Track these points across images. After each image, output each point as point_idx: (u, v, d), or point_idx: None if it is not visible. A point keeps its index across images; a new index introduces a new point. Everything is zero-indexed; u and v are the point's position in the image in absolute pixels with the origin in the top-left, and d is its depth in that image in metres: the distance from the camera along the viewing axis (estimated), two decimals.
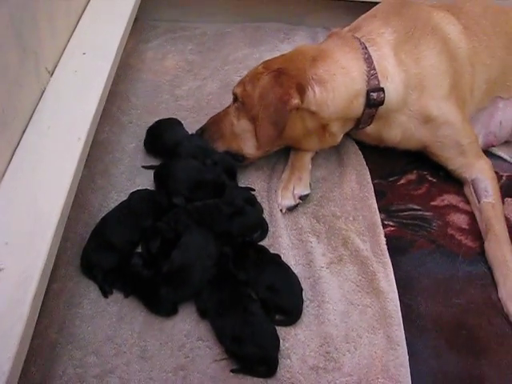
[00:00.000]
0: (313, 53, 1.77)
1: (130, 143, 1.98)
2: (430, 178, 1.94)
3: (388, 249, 1.68)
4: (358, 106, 1.75)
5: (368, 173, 1.91)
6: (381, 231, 1.72)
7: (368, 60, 1.73)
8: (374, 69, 1.73)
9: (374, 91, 1.72)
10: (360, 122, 1.80)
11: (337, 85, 1.71)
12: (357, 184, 1.87)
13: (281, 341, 1.44)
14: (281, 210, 1.79)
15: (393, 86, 1.75)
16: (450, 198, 1.88)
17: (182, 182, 1.76)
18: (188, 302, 1.54)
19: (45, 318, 1.47)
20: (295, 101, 1.66)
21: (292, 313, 1.52)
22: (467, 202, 1.87)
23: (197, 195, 1.74)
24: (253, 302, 1.49)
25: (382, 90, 1.73)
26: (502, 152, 2.05)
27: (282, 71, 1.70)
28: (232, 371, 1.40)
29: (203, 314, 1.51)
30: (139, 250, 1.65)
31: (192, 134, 1.92)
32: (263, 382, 1.39)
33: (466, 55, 1.86)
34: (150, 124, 2.01)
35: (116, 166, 1.90)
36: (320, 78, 1.71)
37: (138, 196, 1.73)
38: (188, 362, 1.42)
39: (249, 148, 1.82)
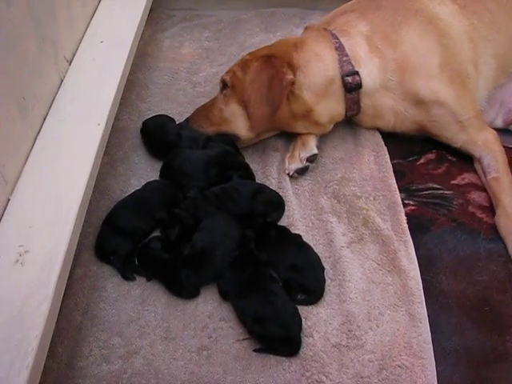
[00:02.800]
0: (294, 40, 1.88)
1: None
2: (449, 157, 1.92)
3: (409, 228, 1.67)
4: (336, 90, 1.81)
5: (386, 153, 1.90)
6: (401, 210, 1.71)
7: (339, 48, 1.81)
8: (347, 55, 1.80)
9: (348, 75, 1.78)
10: (347, 110, 1.85)
11: (311, 69, 1.79)
12: (375, 164, 1.86)
13: (303, 319, 1.45)
14: (288, 174, 1.83)
15: (366, 71, 1.80)
16: (470, 177, 1.86)
17: (192, 173, 1.77)
18: (210, 283, 1.55)
19: (70, 302, 1.50)
20: (290, 76, 1.75)
21: (314, 292, 1.52)
22: None
23: (211, 176, 1.76)
24: (274, 283, 1.50)
25: (357, 73, 1.78)
26: None
27: (271, 55, 1.78)
28: (255, 351, 1.42)
29: (225, 295, 1.52)
30: (157, 233, 1.67)
31: (180, 126, 1.93)
32: (286, 361, 1.40)
33: (462, 32, 1.85)
34: (169, 111, 2.03)
35: (136, 153, 1.92)
36: (298, 63, 1.78)
37: (152, 186, 1.74)
38: (211, 342, 1.44)
39: (240, 129, 1.86)
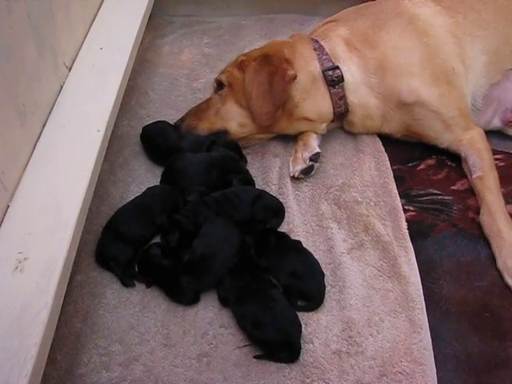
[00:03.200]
0: (282, 41, 2.00)
1: None
2: (449, 163, 1.92)
3: (409, 233, 1.67)
4: (320, 86, 1.88)
5: (387, 159, 1.90)
6: (402, 216, 1.71)
7: (319, 48, 1.90)
8: (326, 54, 1.89)
9: (328, 70, 1.86)
10: (334, 107, 1.89)
11: (297, 66, 1.86)
12: (376, 170, 1.86)
13: (303, 326, 1.44)
14: (294, 177, 1.83)
15: (346, 67, 1.87)
16: (469, 182, 1.85)
17: (193, 175, 1.78)
18: (210, 290, 1.55)
19: (69, 308, 1.50)
20: (291, 72, 1.82)
21: (314, 298, 1.51)
22: None
23: (213, 178, 1.77)
24: (273, 288, 1.50)
25: (338, 67, 1.87)
26: None
27: (267, 54, 1.84)
28: (255, 357, 1.41)
29: (225, 301, 1.51)
30: (157, 240, 1.66)
31: (175, 126, 1.93)
32: (287, 367, 1.39)
33: (445, 29, 1.89)
34: (169, 117, 2.03)
35: (136, 159, 1.92)
36: (290, 59, 1.87)
37: (153, 192, 1.73)
38: (211, 348, 1.43)
39: (232, 126, 1.89)
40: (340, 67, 1.86)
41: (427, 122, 1.86)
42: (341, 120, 1.96)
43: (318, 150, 1.87)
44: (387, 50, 1.86)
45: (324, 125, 1.93)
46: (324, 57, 1.88)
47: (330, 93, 1.87)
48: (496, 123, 1.99)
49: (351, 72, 1.87)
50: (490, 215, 1.70)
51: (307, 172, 1.84)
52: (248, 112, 1.86)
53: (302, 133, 1.94)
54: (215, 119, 1.90)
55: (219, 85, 1.94)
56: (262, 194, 1.73)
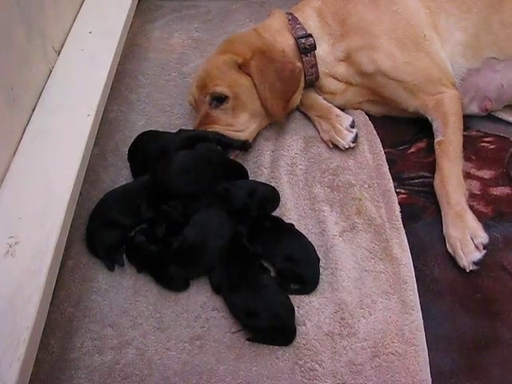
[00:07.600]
0: (254, 29, 1.96)
1: (139, 121, 1.99)
2: None
3: (401, 216, 1.68)
4: (292, 54, 1.89)
5: (379, 142, 1.90)
6: (395, 198, 1.72)
7: (292, 20, 1.92)
8: (300, 23, 1.91)
9: (301, 38, 1.88)
10: (306, 75, 1.91)
11: (279, 45, 1.89)
12: (370, 153, 1.86)
13: (295, 308, 1.45)
14: (348, 148, 1.85)
15: (316, 38, 1.90)
16: None
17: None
18: (200, 277, 1.55)
19: (61, 293, 1.50)
20: (298, 64, 1.85)
21: (309, 282, 1.51)
22: (478, 168, 1.84)
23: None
24: (264, 273, 1.50)
25: (310, 35, 1.89)
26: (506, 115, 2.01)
27: (261, 50, 1.82)
28: (248, 340, 1.41)
29: (217, 290, 1.51)
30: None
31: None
32: (279, 350, 1.40)
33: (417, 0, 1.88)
34: (159, 102, 2.02)
35: (126, 144, 1.88)
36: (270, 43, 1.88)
37: (139, 183, 1.69)
38: (204, 331, 1.44)
39: (247, 134, 1.85)
40: (312, 35, 1.88)
41: (390, 89, 1.88)
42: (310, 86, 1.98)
43: (351, 116, 1.90)
44: (353, 23, 1.86)
45: (299, 97, 1.95)
46: (297, 26, 1.90)
47: (302, 61, 1.89)
48: (473, 109, 1.98)
49: (323, 50, 1.90)
50: (441, 181, 1.70)
51: (356, 140, 1.86)
52: (257, 113, 1.84)
53: (313, 107, 1.96)
54: (227, 132, 1.80)
55: (216, 98, 1.80)
56: (256, 187, 1.68)
